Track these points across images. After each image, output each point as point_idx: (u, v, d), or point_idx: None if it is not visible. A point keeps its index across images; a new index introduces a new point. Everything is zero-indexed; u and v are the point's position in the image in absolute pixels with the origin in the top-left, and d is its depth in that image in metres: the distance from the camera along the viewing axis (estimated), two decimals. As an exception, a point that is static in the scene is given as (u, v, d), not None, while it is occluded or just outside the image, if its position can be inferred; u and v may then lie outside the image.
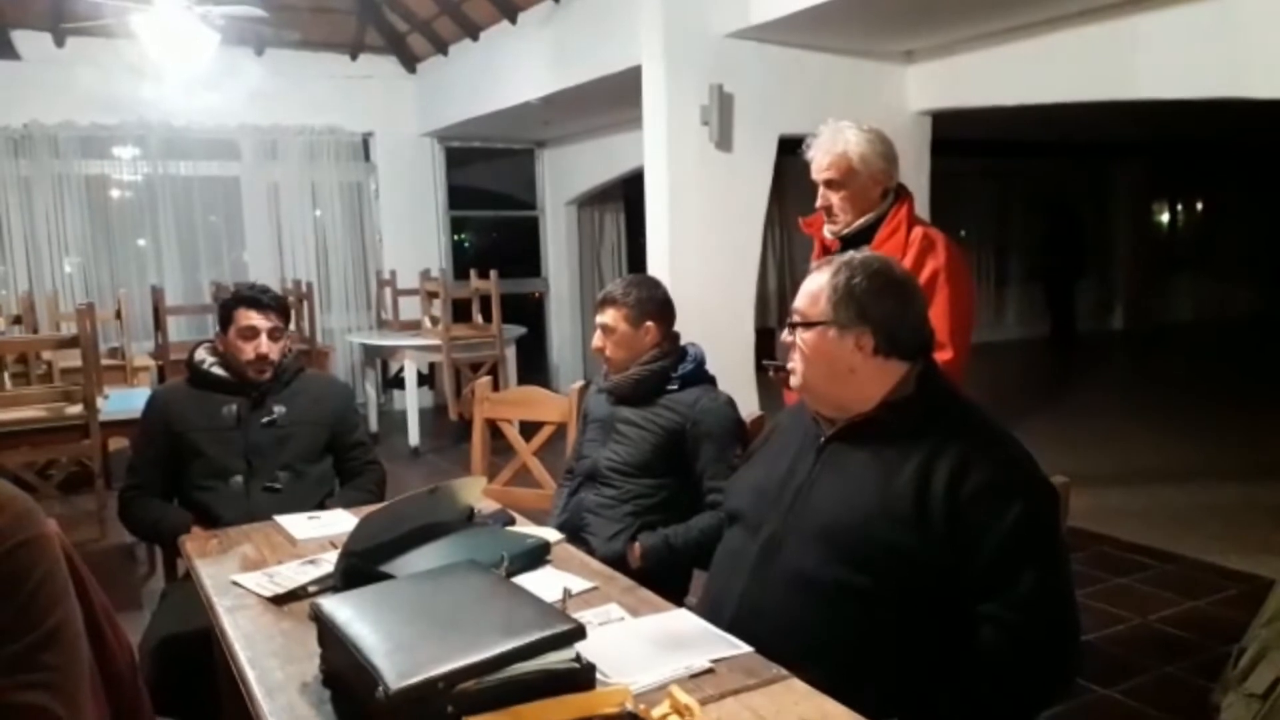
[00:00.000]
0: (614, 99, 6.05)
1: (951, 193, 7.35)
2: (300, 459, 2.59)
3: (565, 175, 8.77)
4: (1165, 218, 13.54)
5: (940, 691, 1.46)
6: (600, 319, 2.52)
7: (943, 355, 2.43)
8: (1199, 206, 13.63)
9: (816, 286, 1.65)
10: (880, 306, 1.60)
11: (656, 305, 2.51)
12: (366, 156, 8.20)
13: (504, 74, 6.62)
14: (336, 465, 2.70)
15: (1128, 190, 12.58)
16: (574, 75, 5.84)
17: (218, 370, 2.61)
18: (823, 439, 1.67)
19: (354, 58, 7.86)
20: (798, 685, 1.35)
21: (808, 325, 1.64)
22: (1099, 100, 4.58)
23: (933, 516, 1.47)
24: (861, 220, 2.56)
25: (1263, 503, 4.78)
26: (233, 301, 2.64)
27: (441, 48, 7.48)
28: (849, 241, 2.60)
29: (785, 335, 1.70)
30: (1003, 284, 12.12)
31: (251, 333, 2.57)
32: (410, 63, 8.03)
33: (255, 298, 2.62)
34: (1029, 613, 1.43)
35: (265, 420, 2.57)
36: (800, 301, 1.67)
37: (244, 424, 2.56)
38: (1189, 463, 5.76)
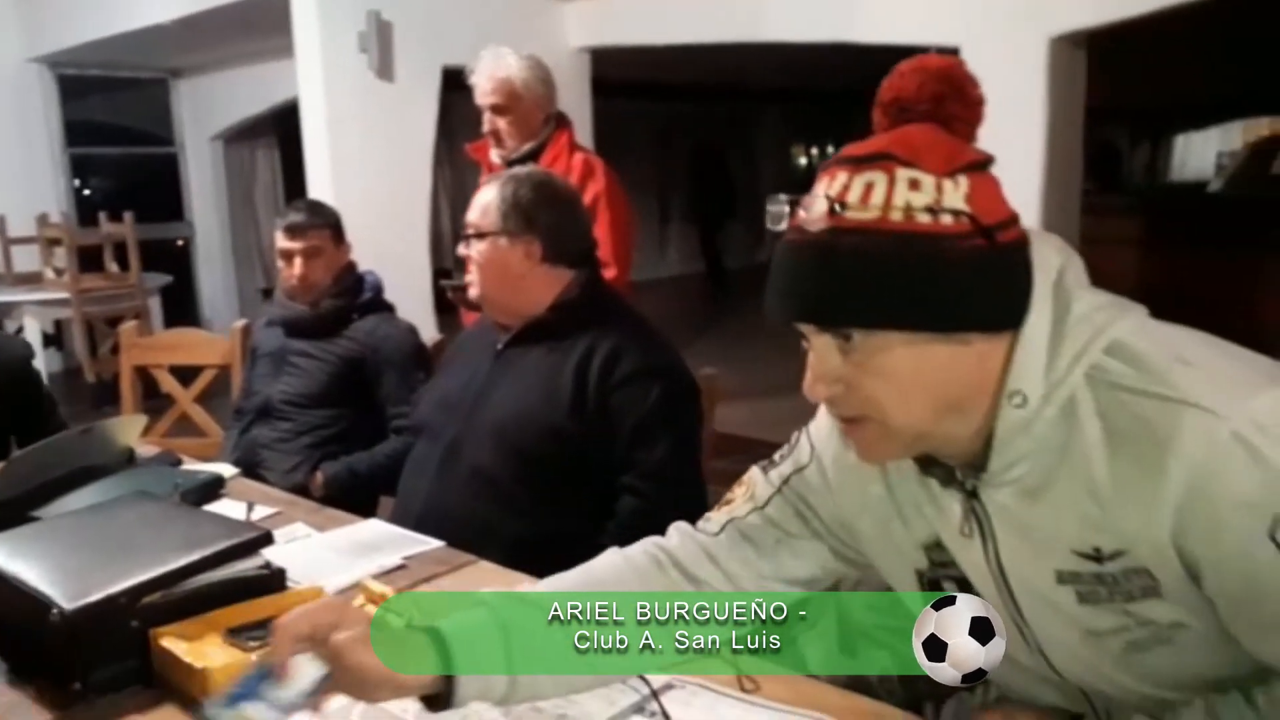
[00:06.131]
0: (262, 23, 5.62)
1: (613, 134, 7.65)
2: None
3: (208, 108, 8.02)
4: (803, 161, 15.03)
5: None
6: (296, 245, 2.38)
7: (609, 273, 2.60)
8: (830, 150, 15.27)
9: (487, 199, 1.74)
10: (546, 216, 1.72)
11: (340, 223, 2.46)
12: (-44, 84, 7.03)
13: (129, -10, 5.93)
14: None
15: (769, 135, 13.77)
16: (213, -5, 5.36)
17: None
18: (500, 345, 1.77)
19: (-70, -36, 6.66)
20: (485, 565, 1.45)
21: (480, 236, 1.73)
22: (735, 42, 4.98)
23: (589, 401, 1.65)
24: (527, 146, 2.65)
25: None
26: None
27: (47, -43, 6.55)
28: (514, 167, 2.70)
29: (462, 248, 1.78)
30: (665, 223, 12.86)
31: None
32: (7, -27, 6.95)
33: None
34: (660, 481, 1.65)
35: None
36: (472, 214, 1.76)
37: None
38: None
